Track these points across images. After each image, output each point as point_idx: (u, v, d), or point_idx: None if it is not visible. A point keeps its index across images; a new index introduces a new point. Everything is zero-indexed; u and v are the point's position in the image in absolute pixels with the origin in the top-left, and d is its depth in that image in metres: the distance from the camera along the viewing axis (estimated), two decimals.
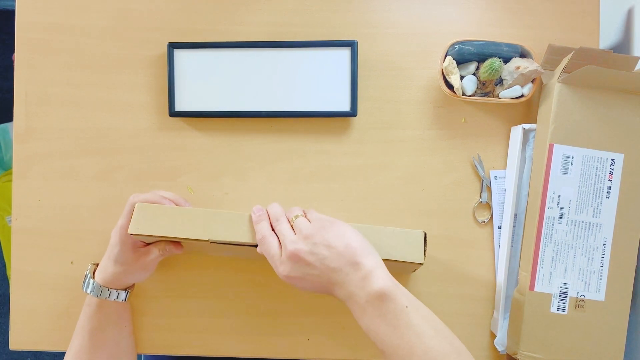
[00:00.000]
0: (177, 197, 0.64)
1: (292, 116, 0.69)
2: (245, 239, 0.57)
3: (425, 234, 0.58)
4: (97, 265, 0.65)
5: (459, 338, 0.52)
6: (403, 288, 0.50)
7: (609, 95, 0.61)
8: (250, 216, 0.58)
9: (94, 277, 0.64)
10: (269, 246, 0.54)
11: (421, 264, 0.57)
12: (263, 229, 0.56)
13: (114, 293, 0.63)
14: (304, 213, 0.57)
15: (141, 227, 0.58)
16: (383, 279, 0.49)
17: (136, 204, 0.59)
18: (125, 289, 0.65)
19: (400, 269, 0.62)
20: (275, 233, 0.56)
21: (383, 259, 0.53)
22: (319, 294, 0.54)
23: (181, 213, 0.59)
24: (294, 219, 0.55)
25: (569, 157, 0.62)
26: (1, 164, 1.51)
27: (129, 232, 0.58)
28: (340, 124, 0.70)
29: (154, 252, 0.62)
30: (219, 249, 0.63)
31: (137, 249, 0.62)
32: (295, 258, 0.52)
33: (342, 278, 0.51)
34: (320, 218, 0.55)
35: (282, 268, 0.53)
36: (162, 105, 0.71)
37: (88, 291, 0.63)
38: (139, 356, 0.79)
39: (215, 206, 0.70)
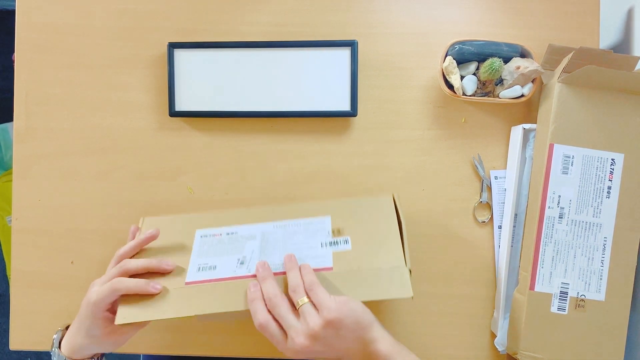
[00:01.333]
0: (155, 262, 0.60)
1: (292, 116, 0.69)
2: (234, 307, 0.55)
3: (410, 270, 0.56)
4: (67, 328, 0.60)
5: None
6: (405, 349, 0.53)
7: (609, 95, 0.61)
8: (234, 284, 0.57)
9: (60, 347, 0.59)
10: (272, 333, 0.53)
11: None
12: (260, 312, 0.53)
13: None
14: (306, 292, 0.54)
15: (127, 316, 0.55)
16: (385, 345, 0.52)
17: (120, 299, 0.56)
18: (92, 357, 0.60)
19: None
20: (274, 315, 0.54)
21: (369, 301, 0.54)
22: None
23: (165, 298, 0.57)
24: (299, 303, 0.53)
25: (569, 157, 0.62)
26: (1, 164, 1.51)
27: (116, 322, 0.55)
28: (340, 124, 0.70)
29: (129, 332, 0.58)
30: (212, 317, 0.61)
31: (109, 325, 0.57)
32: (304, 349, 0.51)
33: (350, 354, 0.53)
34: (328, 307, 0.52)
35: (289, 354, 0.53)
36: (162, 105, 0.71)
37: None
38: (138, 356, 0.79)
39: (215, 206, 0.70)
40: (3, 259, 1.51)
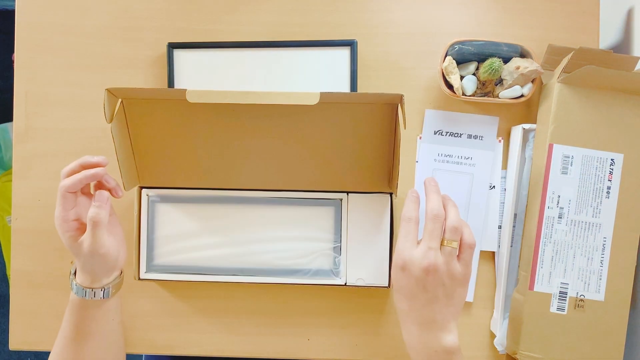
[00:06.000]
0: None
1: None
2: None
3: None
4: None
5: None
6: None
7: (609, 95, 0.61)
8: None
9: (75, 278, 0.61)
10: (410, 229, 0.56)
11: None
12: (412, 211, 0.57)
13: (99, 292, 0.60)
14: (460, 239, 0.56)
15: None
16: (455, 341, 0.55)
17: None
18: (104, 287, 0.61)
19: None
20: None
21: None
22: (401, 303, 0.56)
23: None
24: (447, 242, 0.55)
25: (569, 157, 0.62)
26: (1, 164, 1.51)
27: None
28: None
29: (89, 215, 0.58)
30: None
31: (77, 236, 0.59)
32: (427, 266, 0.53)
33: (428, 312, 0.55)
34: (467, 266, 0.56)
35: (402, 256, 0.55)
36: None
37: (73, 292, 0.61)
38: (139, 356, 0.79)
39: None
40: (3, 259, 1.51)
